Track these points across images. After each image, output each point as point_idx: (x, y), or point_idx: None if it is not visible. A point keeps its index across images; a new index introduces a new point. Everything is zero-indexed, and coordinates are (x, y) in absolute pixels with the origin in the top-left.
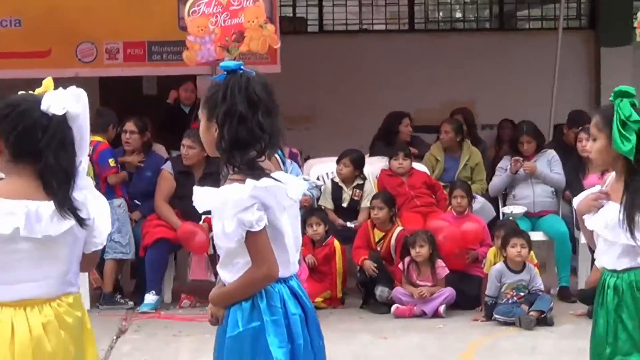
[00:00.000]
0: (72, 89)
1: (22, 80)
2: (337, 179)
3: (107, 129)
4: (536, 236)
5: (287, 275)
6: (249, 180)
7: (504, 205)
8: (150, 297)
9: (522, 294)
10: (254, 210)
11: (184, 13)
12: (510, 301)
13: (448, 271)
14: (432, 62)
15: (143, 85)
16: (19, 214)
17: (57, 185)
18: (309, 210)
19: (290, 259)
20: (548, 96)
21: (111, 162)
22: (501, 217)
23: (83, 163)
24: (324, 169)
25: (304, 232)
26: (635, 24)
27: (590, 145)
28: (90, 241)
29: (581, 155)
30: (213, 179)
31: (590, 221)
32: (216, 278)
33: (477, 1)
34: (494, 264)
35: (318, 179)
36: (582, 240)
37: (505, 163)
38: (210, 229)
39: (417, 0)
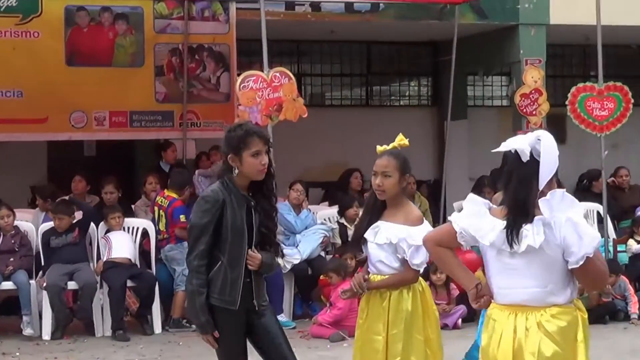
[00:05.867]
0: (534, 133)
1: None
2: (342, 221)
3: (183, 189)
4: None
5: None
6: None
7: None
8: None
9: None
10: None
11: (160, 88)
12: None
13: (458, 292)
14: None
15: (84, 148)
16: (497, 230)
17: (513, 214)
18: (342, 248)
19: None
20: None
21: (182, 218)
22: None
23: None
24: (326, 214)
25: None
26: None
27: None
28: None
29: None
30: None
31: None
32: None
33: (351, 82)
34: None
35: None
36: None
37: None
38: None
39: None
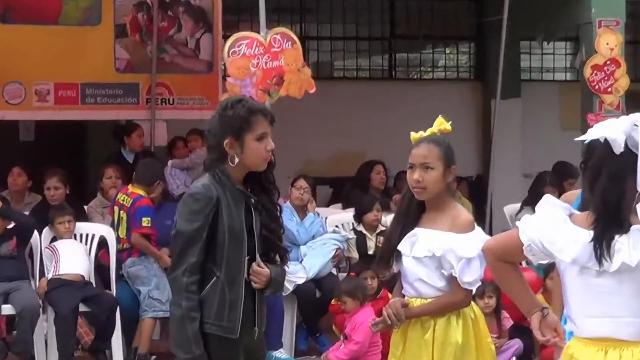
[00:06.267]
0: (629, 117)
1: None
2: (359, 228)
3: (152, 184)
4: None
5: None
6: None
7: None
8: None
9: None
10: None
11: (121, 54)
12: None
13: (512, 322)
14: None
15: (20, 131)
16: (580, 243)
17: (602, 222)
18: (359, 264)
19: None
20: None
21: (145, 221)
22: None
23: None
24: (338, 220)
25: None
26: None
27: None
28: None
29: None
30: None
31: None
32: None
33: (369, 49)
34: None
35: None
36: None
37: None
38: None
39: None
